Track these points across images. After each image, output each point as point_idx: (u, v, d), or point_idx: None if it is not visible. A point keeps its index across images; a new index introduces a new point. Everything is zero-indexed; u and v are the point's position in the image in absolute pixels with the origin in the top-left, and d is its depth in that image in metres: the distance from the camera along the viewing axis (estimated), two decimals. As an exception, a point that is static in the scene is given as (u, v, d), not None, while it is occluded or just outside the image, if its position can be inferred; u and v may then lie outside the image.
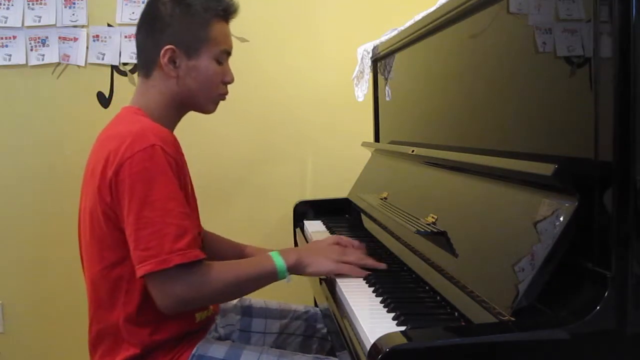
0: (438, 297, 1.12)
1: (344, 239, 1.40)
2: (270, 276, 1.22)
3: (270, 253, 1.24)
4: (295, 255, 1.25)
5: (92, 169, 1.21)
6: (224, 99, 1.36)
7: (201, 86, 1.29)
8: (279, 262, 1.22)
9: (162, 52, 1.25)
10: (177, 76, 1.27)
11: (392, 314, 1.05)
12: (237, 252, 1.53)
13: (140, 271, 1.10)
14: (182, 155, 1.30)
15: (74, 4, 2.29)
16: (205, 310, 1.32)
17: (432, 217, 1.24)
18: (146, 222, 1.10)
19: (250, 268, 1.22)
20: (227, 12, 1.31)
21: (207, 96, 1.32)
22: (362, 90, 2.08)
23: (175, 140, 1.22)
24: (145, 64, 1.30)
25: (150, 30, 1.29)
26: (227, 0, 1.31)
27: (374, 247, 1.54)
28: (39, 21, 2.28)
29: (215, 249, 1.50)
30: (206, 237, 1.50)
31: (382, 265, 1.30)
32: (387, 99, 1.97)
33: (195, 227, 1.17)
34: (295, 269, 1.24)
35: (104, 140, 1.23)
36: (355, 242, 1.39)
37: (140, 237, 1.10)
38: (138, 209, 1.11)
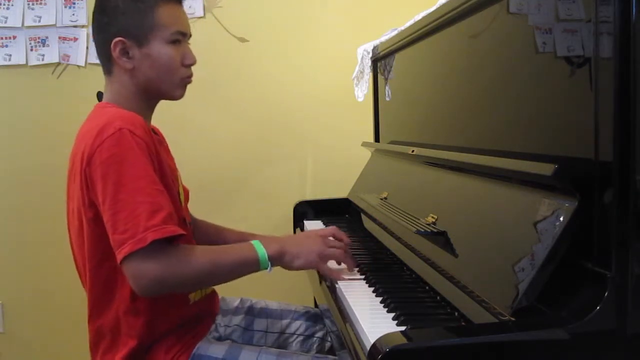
0: (438, 297, 1.12)
1: (331, 232, 1.38)
2: (251, 265, 1.19)
3: (252, 242, 1.22)
4: (278, 246, 1.23)
5: (72, 169, 1.23)
6: (189, 82, 1.32)
7: (159, 73, 1.27)
8: (261, 252, 1.20)
9: (112, 45, 1.24)
10: (133, 67, 1.26)
11: (392, 314, 1.05)
12: (217, 234, 1.52)
13: (120, 255, 1.09)
14: (157, 138, 1.29)
15: (74, 4, 2.29)
16: (198, 291, 1.31)
17: (432, 217, 1.24)
18: (121, 205, 1.10)
19: (230, 254, 1.20)
20: None
21: (169, 82, 1.29)
22: (362, 90, 2.08)
23: (145, 125, 1.20)
24: (104, 62, 1.29)
25: (99, 25, 1.28)
26: None
27: (374, 247, 1.54)
28: (39, 21, 2.28)
29: (200, 234, 1.50)
30: (195, 225, 1.50)
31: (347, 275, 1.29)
32: (387, 99, 1.97)
33: (170, 204, 1.15)
34: (279, 260, 1.22)
35: (77, 139, 1.25)
36: (344, 238, 1.37)
37: (117, 221, 1.10)
38: (112, 194, 1.10)
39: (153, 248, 1.08)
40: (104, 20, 1.27)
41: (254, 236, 1.41)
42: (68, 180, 1.27)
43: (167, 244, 1.10)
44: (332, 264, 1.31)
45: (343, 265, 1.31)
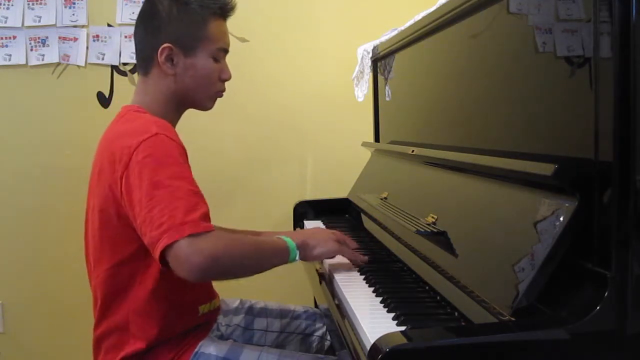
0: (438, 297, 1.12)
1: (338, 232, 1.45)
2: (284, 253, 1.23)
3: (279, 236, 1.27)
4: (301, 236, 1.28)
5: (99, 169, 1.22)
6: (221, 95, 1.37)
7: (199, 84, 1.30)
8: (290, 241, 1.24)
9: (160, 50, 1.26)
10: (174, 74, 1.28)
11: (392, 314, 1.05)
12: None
13: (157, 251, 1.06)
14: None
15: (74, 4, 2.29)
16: (207, 304, 1.33)
17: (432, 217, 1.24)
18: (157, 201, 1.08)
19: (265, 242, 1.25)
20: (224, 10, 1.32)
21: (205, 93, 1.33)
22: (362, 90, 2.08)
23: (177, 133, 1.22)
24: (144, 63, 1.31)
25: (147, 28, 1.30)
26: None
27: (374, 247, 1.54)
28: (39, 21, 2.28)
29: None
30: None
31: (365, 259, 1.37)
32: (387, 99, 1.97)
33: (206, 205, 1.14)
34: (302, 249, 1.26)
35: (108, 140, 1.24)
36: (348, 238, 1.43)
37: (153, 217, 1.07)
38: (148, 191, 1.09)
39: (191, 238, 1.05)
40: (154, 24, 1.28)
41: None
42: (91, 180, 1.27)
43: (204, 234, 1.07)
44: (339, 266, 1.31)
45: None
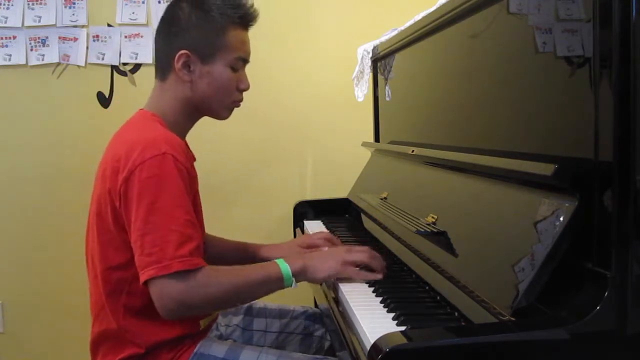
0: (438, 297, 1.12)
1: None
2: (276, 282, 1.20)
3: (276, 260, 1.23)
4: (301, 261, 1.23)
5: (102, 171, 1.22)
6: (238, 105, 1.36)
7: (214, 92, 1.29)
8: (285, 268, 1.20)
9: (177, 56, 1.25)
10: (190, 81, 1.27)
11: (392, 314, 1.05)
12: (240, 251, 1.54)
13: (143, 277, 1.11)
14: (193, 162, 1.30)
15: (74, 4, 2.29)
16: (209, 316, 1.33)
17: (432, 217, 1.24)
18: (151, 228, 1.11)
19: (254, 274, 1.20)
20: (245, 20, 1.30)
21: (221, 102, 1.31)
22: (362, 90, 2.08)
23: (187, 148, 1.22)
24: (162, 68, 1.30)
25: (167, 34, 1.29)
26: (246, 7, 1.30)
27: (374, 247, 1.54)
28: (39, 21, 2.28)
29: (217, 251, 1.50)
30: (208, 241, 1.50)
31: (379, 275, 1.25)
32: (387, 99, 1.97)
33: (200, 236, 1.17)
34: (303, 274, 1.23)
35: (116, 144, 1.24)
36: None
37: (144, 243, 1.11)
38: (144, 215, 1.11)
39: (177, 276, 1.10)
40: (172, 30, 1.28)
41: (274, 248, 1.50)
42: (95, 181, 1.27)
43: (191, 272, 1.11)
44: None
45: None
